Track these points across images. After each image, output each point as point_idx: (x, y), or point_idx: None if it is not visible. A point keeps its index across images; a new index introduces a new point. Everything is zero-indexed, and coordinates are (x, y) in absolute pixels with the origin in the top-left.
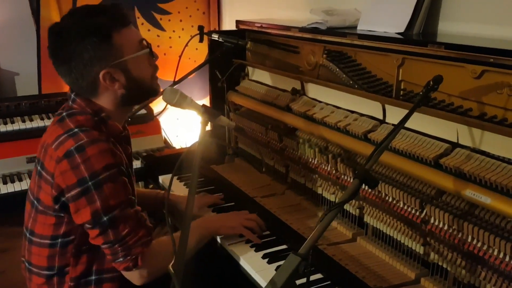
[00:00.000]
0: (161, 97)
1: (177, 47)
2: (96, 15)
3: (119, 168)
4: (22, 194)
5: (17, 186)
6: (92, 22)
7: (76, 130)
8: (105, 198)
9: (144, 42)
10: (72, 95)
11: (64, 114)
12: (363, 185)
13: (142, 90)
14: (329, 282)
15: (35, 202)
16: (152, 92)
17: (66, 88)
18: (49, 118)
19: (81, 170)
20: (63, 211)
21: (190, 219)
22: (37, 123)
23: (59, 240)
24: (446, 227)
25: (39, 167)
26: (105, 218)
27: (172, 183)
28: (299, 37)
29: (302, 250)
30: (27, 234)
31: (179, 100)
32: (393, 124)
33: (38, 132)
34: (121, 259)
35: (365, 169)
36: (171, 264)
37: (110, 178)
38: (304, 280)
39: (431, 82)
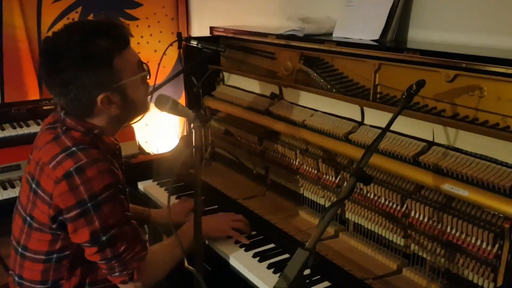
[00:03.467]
0: None
1: (146, 53)
2: (98, 37)
3: (117, 187)
4: None
5: None
6: (94, 47)
7: (74, 149)
8: (104, 218)
9: (140, 62)
10: (62, 114)
11: (60, 132)
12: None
13: (135, 110)
14: (319, 277)
15: (28, 218)
16: (144, 110)
17: (31, 96)
18: (21, 126)
19: (80, 192)
20: (60, 230)
21: (199, 220)
22: (9, 132)
23: (55, 255)
24: (426, 219)
25: (34, 185)
26: (103, 238)
27: (153, 188)
28: (276, 43)
29: (308, 245)
30: (19, 249)
31: (172, 107)
32: (371, 125)
33: (9, 142)
34: (117, 274)
35: (360, 168)
36: (186, 263)
37: (109, 198)
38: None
39: (414, 86)
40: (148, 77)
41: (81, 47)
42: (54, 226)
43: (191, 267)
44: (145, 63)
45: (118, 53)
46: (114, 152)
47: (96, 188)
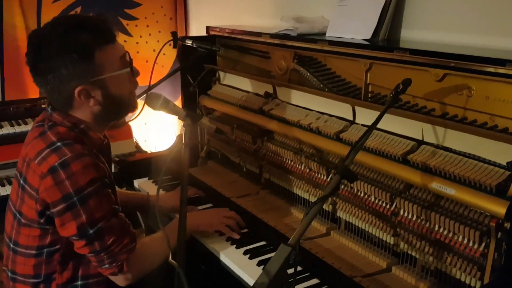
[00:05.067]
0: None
1: (144, 52)
2: (81, 30)
3: (103, 181)
4: None
5: None
6: (75, 38)
7: (58, 144)
8: (90, 212)
9: (127, 58)
10: (49, 109)
11: (46, 128)
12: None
13: (120, 107)
14: (308, 274)
15: (18, 214)
16: (130, 108)
17: (31, 94)
18: (19, 124)
19: (66, 186)
20: (48, 224)
21: (185, 215)
22: (7, 129)
23: (45, 250)
24: (415, 218)
25: (21, 181)
26: (91, 231)
27: (148, 186)
28: (270, 43)
29: (291, 241)
30: (11, 245)
31: (163, 105)
32: (362, 125)
33: (7, 140)
34: (107, 266)
35: (345, 166)
36: (170, 257)
37: (95, 192)
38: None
39: (401, 85)
40: (133, 75)
41: (62, 38)
42: (42, 221)
43: (174, 262)
44: (130, 58)
45: (99, 47)
46: (100, 147)
47: (81, 182)
